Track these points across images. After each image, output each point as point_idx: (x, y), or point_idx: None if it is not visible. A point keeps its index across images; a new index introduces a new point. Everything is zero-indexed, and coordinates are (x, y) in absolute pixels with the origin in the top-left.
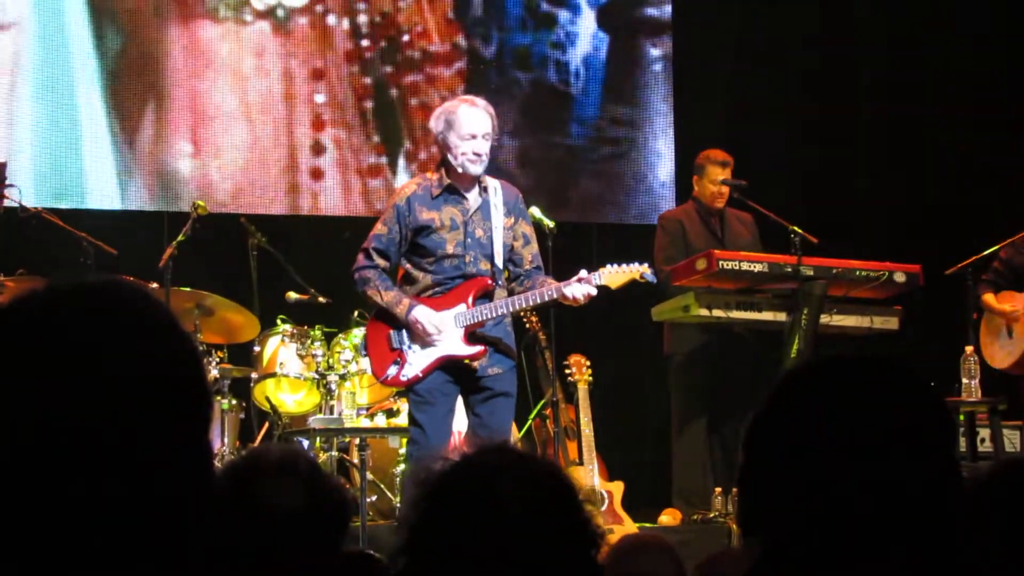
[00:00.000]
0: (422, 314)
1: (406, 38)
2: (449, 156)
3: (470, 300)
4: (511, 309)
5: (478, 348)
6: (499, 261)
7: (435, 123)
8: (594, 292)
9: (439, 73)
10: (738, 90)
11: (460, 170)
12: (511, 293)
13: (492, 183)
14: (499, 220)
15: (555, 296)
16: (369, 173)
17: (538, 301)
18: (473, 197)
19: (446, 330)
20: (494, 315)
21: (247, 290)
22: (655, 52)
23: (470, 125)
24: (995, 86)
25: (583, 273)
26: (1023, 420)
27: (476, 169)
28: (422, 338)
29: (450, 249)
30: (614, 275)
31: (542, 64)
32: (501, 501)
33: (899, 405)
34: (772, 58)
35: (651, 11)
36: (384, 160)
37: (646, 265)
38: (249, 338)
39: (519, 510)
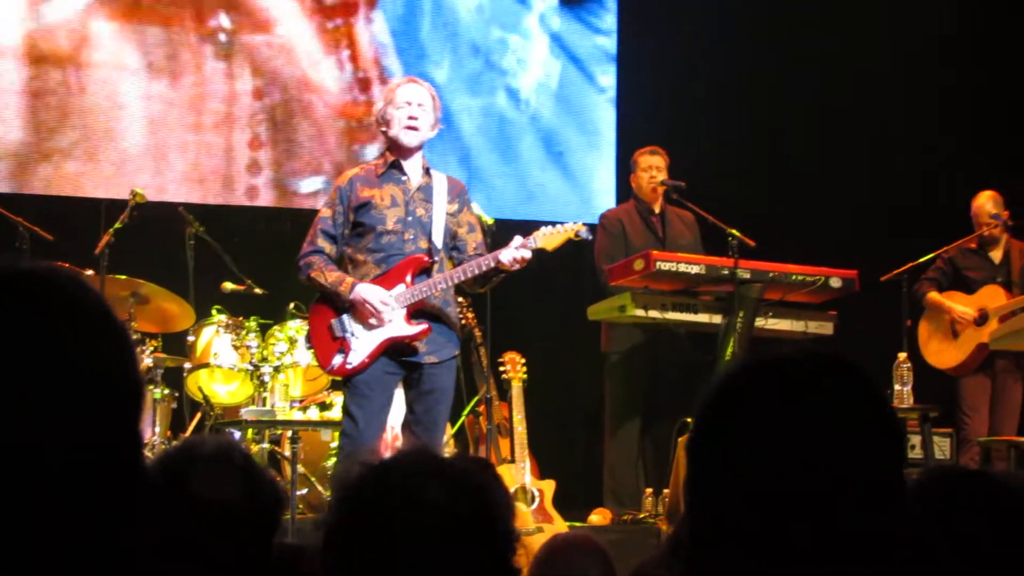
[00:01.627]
0: (367, 291)
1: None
2: (389, 132)
3: (408, 279)
4: (451, 283)
5: (422, 327)
6: (438, 241)
7: (377, 107)
8: (529, 256)
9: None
10: (679, 94)
11: (392, 151)
12: None
13: (438, 174)
14: (442, 204)
15: (492, 264)
16: (308, 167)
17: (476, 272)
18: (415, 177)
19: (391, 309)
20: (434, 291)
21: (183, 279)
22: (604, 79)
23: (405, 93)
24: (932, 90)
25: (518, 239)
26: (953, 427)
27: (411, 138)
28: (368, 318)
29: (390, 225)
30: (549, 236)
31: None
32: (419, 505)
33: (846, 409)
34: (712, 63)
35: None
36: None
37: (580, 223)
38: (184, 328)
39: (437, 514)
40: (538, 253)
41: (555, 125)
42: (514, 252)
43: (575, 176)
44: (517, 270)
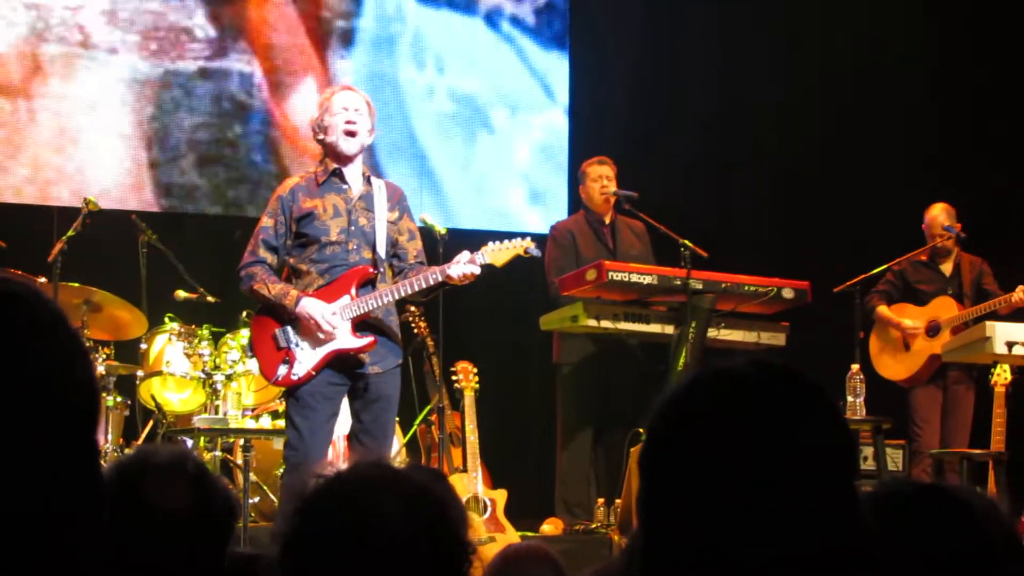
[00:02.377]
0: (311, 306)
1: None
2: (327, 139)
3: (353, 291)
4: (397, 296)
5: (368, 339)
6: (381, 250)
7: (313, 114)
8: (478, 271)
9: None
10: (633, 108)
11: (331, 159)
12: None
13: (377, 181)
14: (383, 212)
15: (439, 278)
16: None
17: (423, 285)
18: (356, 186)
19: (335, 324)
20: (380, 303)
21: (136, 287)
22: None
23: (341, 101)
24: (888, 98)
25: (466, 254)
26: (906, 439)
27: (350, 146)
28: (313, 332)
29: (333, 236)
30: (497, 252)
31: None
32: (375, 518)
33: (798, 421)
34: (664, 74)
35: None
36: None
37: (528, 239)
38: (136, 335)
39: (393, 527)
40: (487, 267)
41: (509, 134)
42: (463, 268)
43: (529, 186)
44: (465, 285)
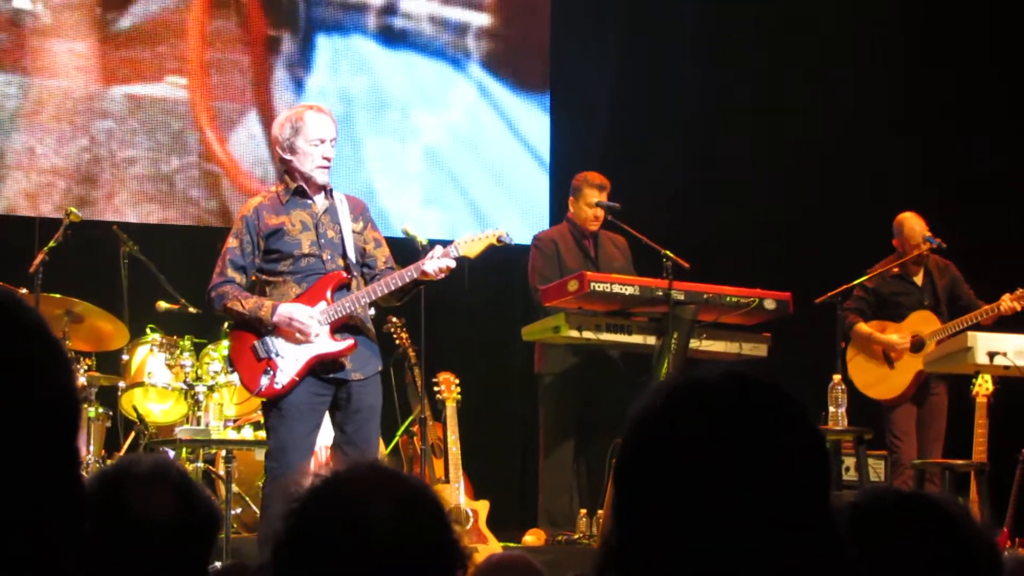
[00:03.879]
0: (291, 309)
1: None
2: (296, 161)
3: (329, 295)
4: (374, 296)
5: (348, 342)
6: (352, 258)
7: (280, 130)
8: (453, 264)
9: None
10: (615, 117)
11: (298, 177)
12: None
13: (338, 194)
14: (347, 223)
15: (415, 275)
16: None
17: (399, 284)
18: (320, 201)
19: (316, 324)
20: (357, 306)
21: (117, 298)
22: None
23: (318, 130)
24: (869, 116)
25: (439, 249)
26: (888, 450)
27: (325, 177)
28: (294, 337)
29: (306, 248)
30: (471, 244)
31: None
32: (370, 520)
33: (773, 432)
34: (647, 84)
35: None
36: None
37: (502, 229)
38: (118, 346)
39: (388, 529)
40: (466, 265)
41: (492, 146)
42: (437, 262)
43: (511, 195)
44: (441, 279)
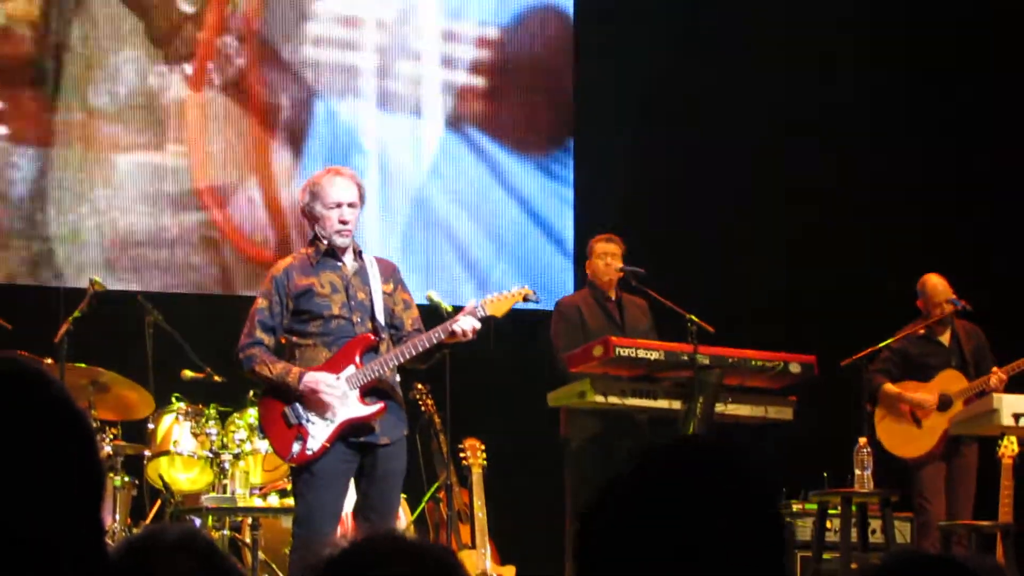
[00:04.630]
0: (316, 378)
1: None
2: (317, 227)
3: (358, 359)
4: (403, 359)
5: (378, 406)
6: (381, 320)
7: (301, 196)
8: (479, 325)
9: None
10: (636, 180)
11: (326, 242)
12: None
13: (368, 256)
14: (377, 285)
15: (443, 336)
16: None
17: (427, 345)
18: (350, 263)
19: (341, 393)
20: (386, 369)
21: (142, 367)
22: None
23: (335, 193)
24: (888, 172)
25: (468, 305)
26: (914, 512)
27: (345, 240)
28: (320, 405)
29: (336, 310)
30: (497, 302)
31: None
32: None
33: (725, 509)
34: (665, 148)
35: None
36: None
37: (526, 286)
38: (143, 415)
39: None
40: (492, 325)
41: (512, 217)
42: (465, 322)
43: (532, 266)
44: (470, 339)
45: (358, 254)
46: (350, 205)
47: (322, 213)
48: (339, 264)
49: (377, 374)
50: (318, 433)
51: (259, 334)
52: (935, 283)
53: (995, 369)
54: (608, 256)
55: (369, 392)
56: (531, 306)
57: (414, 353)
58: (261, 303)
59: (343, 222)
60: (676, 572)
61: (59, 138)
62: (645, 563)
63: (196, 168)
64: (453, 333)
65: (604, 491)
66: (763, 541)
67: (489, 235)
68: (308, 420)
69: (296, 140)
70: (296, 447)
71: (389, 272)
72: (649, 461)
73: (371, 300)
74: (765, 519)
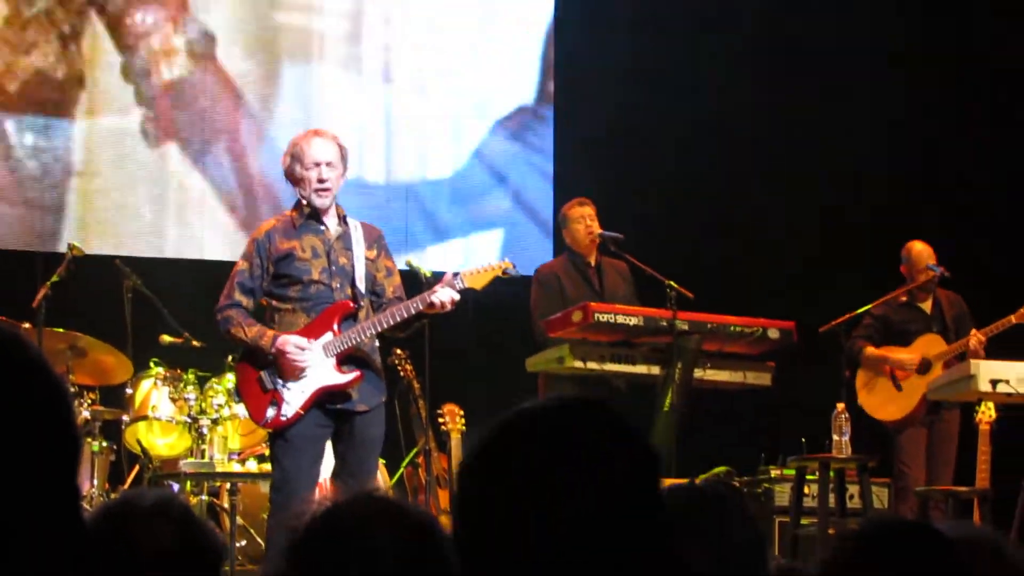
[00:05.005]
0: (285, 339)
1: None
2: (299, 190)
3: (335, 327)
4: (380, 328)
5: (354, 374)
6: (361, 287)
7: (284, 160)
8: (458, 297)
9: None
10: (616, 146)
11: (307, 203)
12: None
13: (353, 221)
14: (360, 250)
15: (420, 307)
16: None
17: (404, 315)
18: (333, 227)
19: (317, 360)
20: (363, 337)
21: (121, 332)
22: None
23: (314, 153)
24: (871, 139)
25: (447, 276)
26: (891, 478)
27: (323, 201)
28: (289, 368)
29: (316, 275)
30: (476, 276)
31: None
32: (373, 550)
33: (600, 454)
34: (646, 112)
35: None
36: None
37: (507, 260)
38: (122, 380)
39: (390, 560)
40: (472, 296)
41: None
42: (443, 294)
43: (515, 228)
44: (449, 311)
45: (343, 218)
46: (328, 164)
47: (302, 174)
48: (322, 228)
49: (354, 342)
50: (293, 399)
51: (237, 296)
52: (920, 249)
53: (974, 331)
54: (587, 219)
55: (346, 360)
56: (512, 271)
57: (391, 323)
58: (242, 265)
59: (321, 181)
60: (555, 526)
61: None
62: (523, 520)
63: (166, 135)
64: (432, 304)
65: (476, 450)
66: (638, 488)
67: (465, 206)
68: (283, 386)
69: (266, 106)
70: (271, 412)
71: (373, 238)
72: (521, 419)
73: (352, 265)
74: (639, 466)
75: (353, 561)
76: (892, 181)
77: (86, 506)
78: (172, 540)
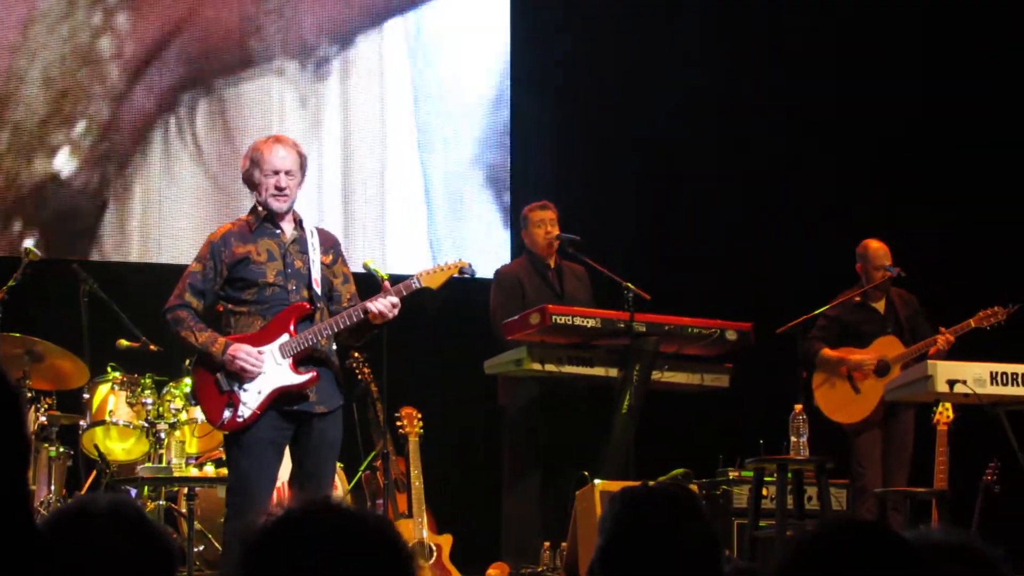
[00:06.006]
0: (237, 348)
1: None
2: (256, 194)
3: (292, 328)
4: (336, 328)
5: (310, 375)
6: (318, 290)
7: (244, 163)
8: (396, 301)
9: None
10: (571, 147)
11: (263, 208)
12: None
13: (309, 226)
14: (316, 255)
15: (361, 315)
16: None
17: (348, 322)
18: (289, 231)
19: (271, 363)
20: (318, 338)
21: (78, 337)
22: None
23: (273, 161)
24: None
25: (387, 285)
26: (849, 479)
27: (280, 205)
28: (241, 374)
29: (271, 278)
30: (433, 275)
31: None
32: (326, 559)
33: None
34: (604, 114)
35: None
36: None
37: (463, 259)
38: (79, 385)
39: (346, 567)
40: (429, 297)
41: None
42: (380, 303)
43: (471, 231)
44: (391, 318)
45: (299, 223)
46: (287, 173)
47: (260, 180)
48: (278, 231)
49: (311, 343)
50: (249, 400)
51: (188, 297)
52: (876, 248)
53: (942, 329)
54: (547, 223)
55: (303, 360)
56: (468, 270)
57: (337, 328)
58: (195, 266)
59: (278, 188)
60: None
61: None
62: None
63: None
64: (369, 311)
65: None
66: None
67: (425, 203)
68: (240, 387)
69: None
70: (227, 413)
71: (329, 244)
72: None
73: (308, 269)
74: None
75: (308, 568)
76: (841, 176)
77: (43, 511)
78: (127, 545)
